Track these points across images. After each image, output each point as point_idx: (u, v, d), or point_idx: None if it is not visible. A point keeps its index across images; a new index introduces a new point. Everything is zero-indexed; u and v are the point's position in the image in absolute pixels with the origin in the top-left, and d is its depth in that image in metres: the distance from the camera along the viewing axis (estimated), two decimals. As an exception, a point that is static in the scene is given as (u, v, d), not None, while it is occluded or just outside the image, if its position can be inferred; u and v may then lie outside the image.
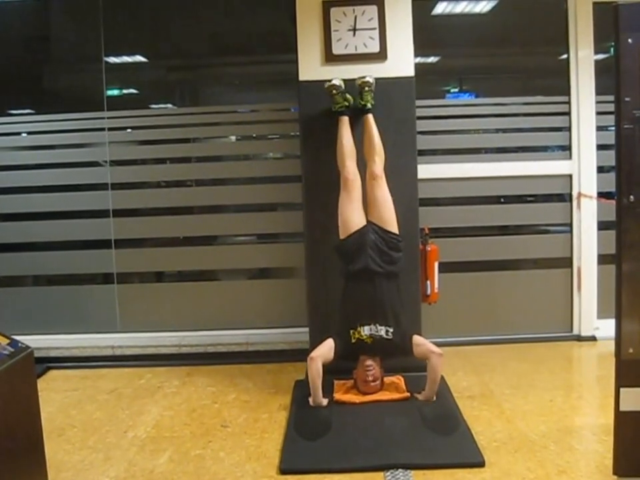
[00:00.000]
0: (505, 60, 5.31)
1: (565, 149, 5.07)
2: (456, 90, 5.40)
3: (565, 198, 5.08)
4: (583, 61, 4.90)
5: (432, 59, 5.21)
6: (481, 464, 3.12)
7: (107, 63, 5.09)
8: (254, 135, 5.28)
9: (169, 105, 5.46)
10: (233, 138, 5.33)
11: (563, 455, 3.20)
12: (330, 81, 4.12)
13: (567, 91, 5.00)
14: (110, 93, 5.13)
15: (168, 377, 4.65)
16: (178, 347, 5.03)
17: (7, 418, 2.46)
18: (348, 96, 4.19)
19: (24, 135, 5.25)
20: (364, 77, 4.13)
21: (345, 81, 4.15)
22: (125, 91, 5.33)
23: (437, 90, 5.29)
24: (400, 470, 3.09)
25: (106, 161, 5.11)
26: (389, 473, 3.07)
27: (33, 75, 5.31)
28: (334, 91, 4.14)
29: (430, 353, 3.81)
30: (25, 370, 2.67)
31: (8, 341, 2.67)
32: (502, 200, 5.19)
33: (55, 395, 4.36)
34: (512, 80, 5.32)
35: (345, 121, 4.19)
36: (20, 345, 2.67)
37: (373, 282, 3.96)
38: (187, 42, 5.25)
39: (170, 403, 4.14)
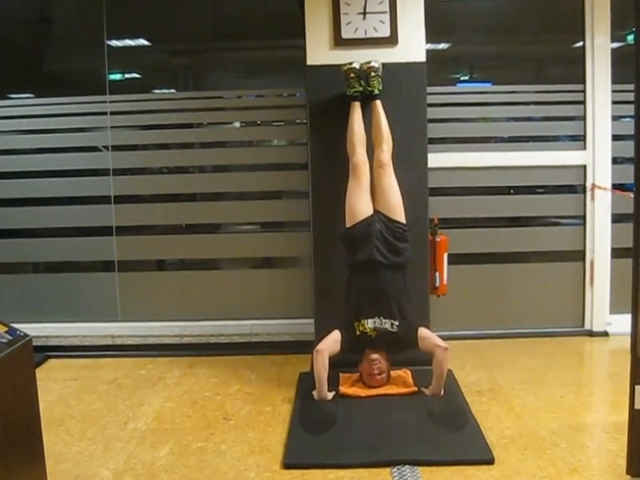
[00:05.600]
0: (518, 47, 5.20)
1: (577, 139, 4.99)
2: (466, 78, 5.31)
3: (578, 189, 5.00)
4: (600, 48, 4.80)
5: (442, 46, 5.11)
6: (490, 461, 3.05)
7: (109, 46, 5.02)
8: (258, 122, 5.21)
9: (172, 90, 5.38)
10: (237, 124, 5.26)
11: (575, 453, 3.13)
12: (350, 63, 4.03)
13: (580, 80, 4.92)
14: (112, 77, 5.06)
15: (169, 367, 4.59)
16: (180, 336, 4.97)
17: (4, 408, 2.40)
18: (362, 81, 4.10)
19: (25, 119, 5.16)
20: (369, 62, 4.04)
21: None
22: (127, 75, 5.25)
23: (446, 78, 5.19)
24: (407, 466, 3.03)
25: (106, 147, 5.05)
26: (395, 469, 3.01)
27: (34, 58, 5.24)
28: (352, 75, 4.05)
29: (435, 347, 3.73)
30: (23, 359, 2.60)
31: (6, 329, 2.61)
32: (511, 191, 5.12)
33: (53, 384, 4.30)
34: (524, 68, 5.24)
35: (357, 106, 4.10)
36: (18, 333, 2.61)
37: (378, 273, 3.88)
38: (191, 25, 5.16)
39: (171, 394, 4.08)
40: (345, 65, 4.05)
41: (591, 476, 2.91)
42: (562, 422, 3.49)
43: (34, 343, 2.70)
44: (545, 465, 3.01)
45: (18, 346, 2.53)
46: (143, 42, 5.22)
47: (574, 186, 5.02)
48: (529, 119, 5.08)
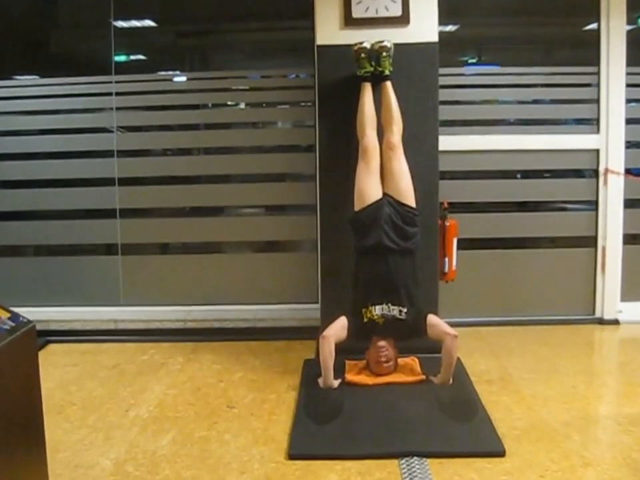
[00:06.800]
0: (527, 30, 5.07)
1: (589, 122, 4.89)
2: (474, 60, 5.21)
3: (591, 174, 4.91)
4: (615, 30, 4.70)
5: (450, 28, 4.97)
6: (501, 453, 2.98)
7: (115, 27, 4.93)
8: (263, 105, 5.13)
9: (178, 72, 5.28)
10: (242, 105, 5.17)
11: (588, 446, 3.07)
12: (361, 43, 3.95)
13: (591, 62, 4.81)
14: (118, 58, 4.97)
15: (172, 353, 4.52)
16: (183, 321, 4.91)
17: (6, 397, 2.32)
18: (372, 62, 4.02)
19: (29, 99, 5.06)
20: (381, 42, 3.96)
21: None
22: (133, 57, 5.17)
23: (454, 60, 5.07)
24: (415, 458, 2.96)
25: (121, 128, 4.98)
26: (403, 461, 2.94)
27: (40, 38, 5.15)
28: (362, 55, 3.97)
29: (444, 335, 3.65)
30: (27, 346, 2.51)
31: (8, 315, 2.51)
32: (518, 175, 5.05)
33: (54, 370, 4.23)
34: (533, 51, 5.12)
35: (368, 87, 4.01)
36: (21, 319, 2.52)
37: (386, 259, 3.80)
38: (198, 6, 5.07)
39: (174, 381, 4.02)
40: (355, 44, 3.97)
41: (605, 470, 2.84)
42: (574, 413, 3.42)
43: (34, 327, 2.64)
44: (558, 458, 2.93)
45: (21, 333, 2.45)
46: (149, 23, 5.12)
47: (586, 170, 4.93)
48: (540, 101, 5.00)
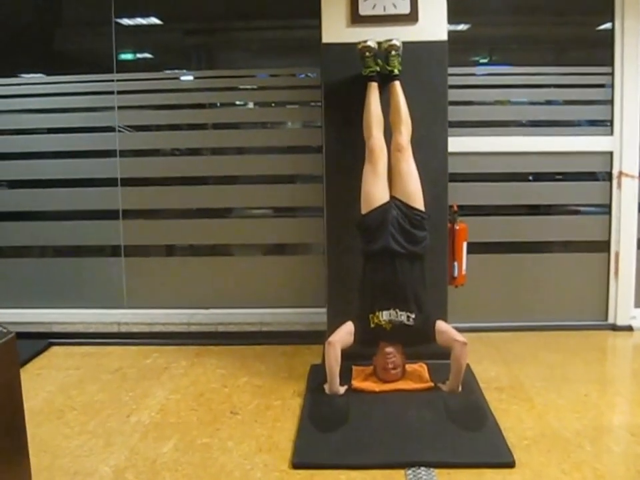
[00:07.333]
0: (540, 29, 4.97)
1: (602, 124, 4.81)
2: (485, 60, 5.14)
3: (604, 176, 4.83)
4: (630, 30, 4.62)
5: (461, 27, 4.91)
6: (510, 464, 2.91)
7: (119, 24, 4.88)
8: (272, 104, 5.05)
9: (184, 70, 5.22)
10: (251, 104, 5.11)
11: (601, 457, 2.98)
12: (365, 41, 3.87)
13: (604, 63, 4.74)
14: (124, 56, 4.93)
15: (176, 357, 4.47)
16: (187, 325, 4.87)
17: None
18: (379, 60, 3.94)
19: (29, 97, 5.02)
20: (391, 40, 3.87)
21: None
22: (138, 55, 5.13)
23: (465, 60, 4.99)
24: (422, 468, 2.89)
25: (129, 127, 4.93)
26: (410, 471, 2.87)
27: (42, 36, 5.11)
28: (367, 53, 3.89)
29: (453, 342, 3.57)
30: (6, 357, 2.44)
31: (-15, 326, 2.46)
32: (530, 178, 4.96)
33: (56, 372, 4.20)
34: (546, 50, 5.03)
35: (374, 87, 3.94)
36: (1, 329, 2.45)
37: (394, 263, 3.71)
38: (204, 3, 5.03)
39: (177, 386, 3.96)
40: (359, 42, 3.89)
41: (618, 482, 2.77)
42: (586, 422, 3.34)
43: (37, 330, 2.56)
44: (570, 470, 2.86)
45: (1, 343, 2.39)
46: (153, 20, 5.05)
47: (600, 173, 4.86)
48: (552, 102, 4.93)
